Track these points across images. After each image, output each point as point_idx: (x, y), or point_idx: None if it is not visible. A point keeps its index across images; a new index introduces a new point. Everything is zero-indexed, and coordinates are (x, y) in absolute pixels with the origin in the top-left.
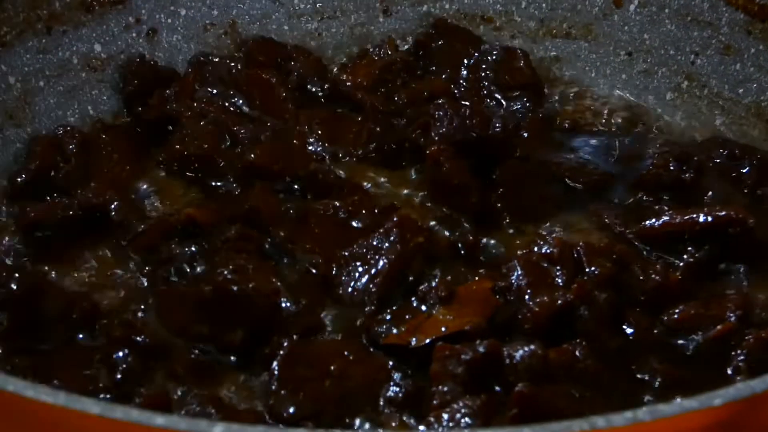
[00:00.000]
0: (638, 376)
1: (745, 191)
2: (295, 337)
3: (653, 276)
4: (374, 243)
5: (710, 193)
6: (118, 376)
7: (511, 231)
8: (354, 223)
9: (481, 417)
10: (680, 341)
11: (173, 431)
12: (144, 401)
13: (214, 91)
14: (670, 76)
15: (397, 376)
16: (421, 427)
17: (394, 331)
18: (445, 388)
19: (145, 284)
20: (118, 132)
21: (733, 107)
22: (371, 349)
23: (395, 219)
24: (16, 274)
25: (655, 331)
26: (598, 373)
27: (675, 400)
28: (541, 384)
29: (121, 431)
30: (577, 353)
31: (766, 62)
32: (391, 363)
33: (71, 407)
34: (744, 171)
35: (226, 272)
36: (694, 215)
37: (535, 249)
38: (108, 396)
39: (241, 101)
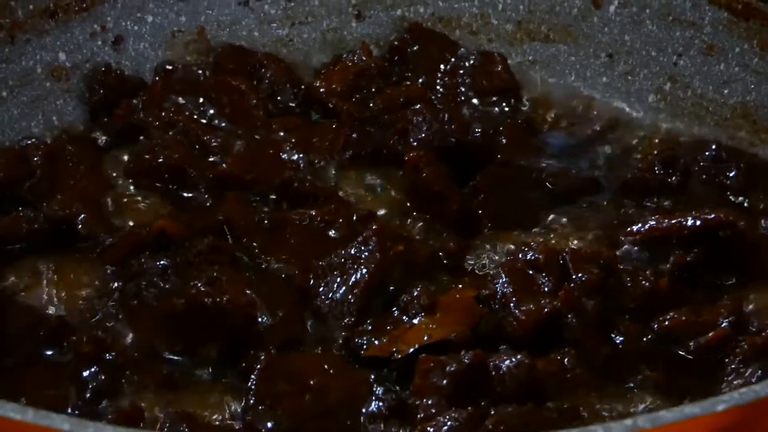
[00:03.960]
0: (630, 385)
1: (733, 194)
2: (272, 350)
3: (642, 282)
4: (352, 252)
5: (697, 196)
6: (88, 395)
7: (493, 238)
8: (331, 233)
9: (468, 430)
10: (672, 348)
11: None
12: (115, 418)
13: (183, 100)
14: (652, 77)
15: (379, 390)
16: None
17: (376, 342)
18: (430, 401)
19: (116, 299)
20: (84, 143)
21: (718, 109)
22: (352, 362)
23: (374, 227)
24: None
25: (646, 339)
26: (588, 382)
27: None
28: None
29: None
30: (566, 362)
31: (750, 62)
32: (372, 376)
33: (40, 424)
34: (731, 174)
35: (199, 284)
36: (682, 219)
37: (520, 256)
38: (77, 414)
39: (211, 110)
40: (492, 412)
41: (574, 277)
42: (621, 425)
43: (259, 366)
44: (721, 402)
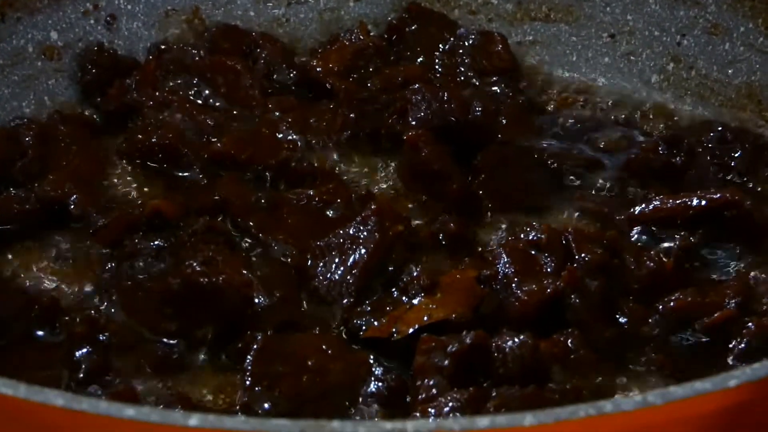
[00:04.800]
0: (634, 367)
1: (738, 175)
2: (269, 331)
3: (647, 263)
4: (351, 232)
5: (701, 177)
6: (81, 375)
7: (494, 218)
8: (329, 213)
9: (469, 411)
10: (677, 330)
11: (144, 424)
12: (109, 399)
13: (177, 80)
14: (655, 58)
15: (378, 370)
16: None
17: (375, 323)
18: (431, 382)
19: (109, 279)
20: (76, 123)
21: (722, 89)
22: (351, 343)
23: (373, 207)
24: None
25: (651, 321)
26: (592, 364)
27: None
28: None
29: (88, 426)
30: (570, 344)
31: (756, 41)
32: (371, 357)
33: (32, 399)
34: (736, 155)
35: (195, 264)
36: (687, 199)
37: (522, 236)
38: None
39: (206, 90)
40: (494, 394)
41: (577, 257)
42: (631, 401)
43: (255, 347)
44: (733, 377)
